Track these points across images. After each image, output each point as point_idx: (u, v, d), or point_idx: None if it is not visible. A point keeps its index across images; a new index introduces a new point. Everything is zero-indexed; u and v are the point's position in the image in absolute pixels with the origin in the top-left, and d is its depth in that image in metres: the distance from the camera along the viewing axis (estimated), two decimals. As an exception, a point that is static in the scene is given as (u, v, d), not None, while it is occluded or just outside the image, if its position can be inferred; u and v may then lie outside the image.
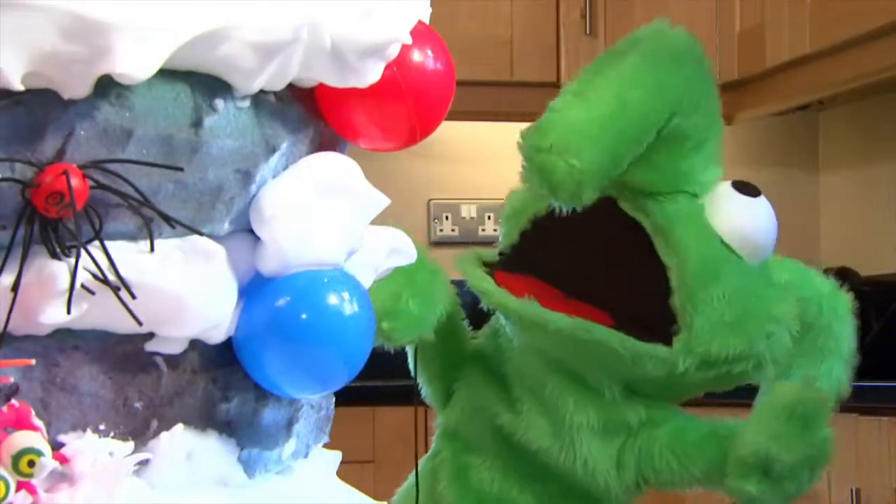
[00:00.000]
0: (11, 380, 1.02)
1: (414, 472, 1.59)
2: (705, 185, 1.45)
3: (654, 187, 1.42)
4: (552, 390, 1.48)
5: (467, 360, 1.58)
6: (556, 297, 1.47)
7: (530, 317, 1.44)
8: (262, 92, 1.09)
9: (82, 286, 1.00)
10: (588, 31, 3.33)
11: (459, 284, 1.57)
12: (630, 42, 1.41)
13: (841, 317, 1.53)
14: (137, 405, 1.07)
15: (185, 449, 1.08)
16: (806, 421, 1.38)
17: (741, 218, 1.45)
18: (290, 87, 1.12)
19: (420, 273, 1.50)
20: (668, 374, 1.43)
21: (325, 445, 1.25)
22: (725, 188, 1.47)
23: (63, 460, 1.00)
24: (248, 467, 1.14)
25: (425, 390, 1.60)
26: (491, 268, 1.53)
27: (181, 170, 1.04)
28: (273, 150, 1.10)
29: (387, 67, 1.14)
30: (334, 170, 1.14)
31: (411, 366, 1.58)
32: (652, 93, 1.36)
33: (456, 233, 3.59)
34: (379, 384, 2.50)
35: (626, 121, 1.35)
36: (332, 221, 1.11)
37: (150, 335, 1.07)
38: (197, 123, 1.05)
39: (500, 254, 1.55)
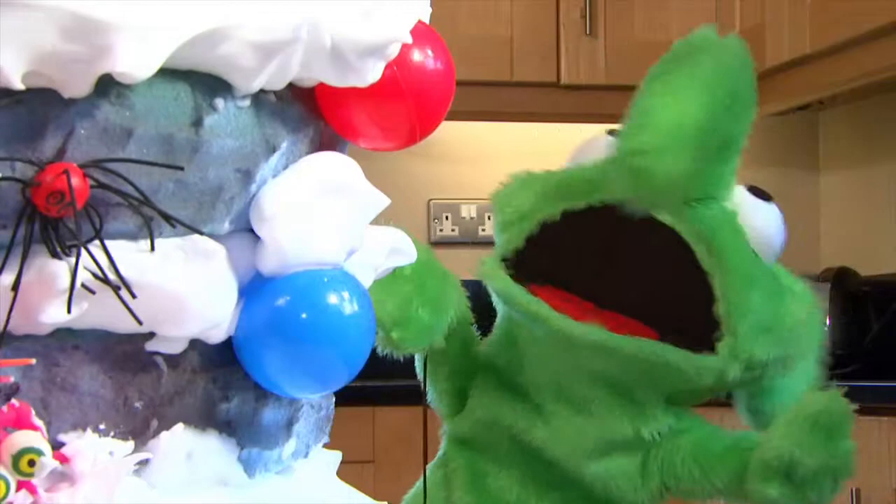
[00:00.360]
0: (12, 379, 1.02)
1: (422, 478, 1.58)
2: (729, 188, 1.45)
3: (699, 194, 1.41)
4: (601, 408, 1.47)
5: (479, 367, 1.57)
6: (588, 309, 1.45)
7: (599, 343, 1.42)
8: (262, 91, 1.09)
9: (83, 285, 1.00)
10: (588, 31, 3.34)
11: (466, 285, 1.56)
12: (694, 47, 1.41)
13: (813, 314, 1.53)
14: (137, 405, 1.07)
15: (185, 449, 1.08)
16: (830, 431, 1.38)
17: (760, 222, 1.45)
18: (291, 86, 1.12)
19: (430, 279, 1.49)
20: (715, 382, 1.43)
21: (325, 445, 1.25)
22: (743, 192, 1.47)
23: (63, 460, 1.00)
24: (248, 467, 1.14)
25: (432, 395, 1.59)
26: (518, 281, 1.49)
27: (181, 169, 1.04)
28: (273, 150, 1.10)
29: (387, 67, 1.14)
30: (334, 169, 1.14)
31: (419, 370, 1.57)
32: (730, 104, 1.37)
33: (456, 233, 3.59)
34: (379, 384, 2.50)
35: (713, 128, 1.36)
36: (332, 221, 1.11)
37: (151, 335, 1.07)
38: (197, 123, 1.05)
39: (503, 259, 1.52)
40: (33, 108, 1.00)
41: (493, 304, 1.55)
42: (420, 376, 1.57)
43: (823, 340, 1.52)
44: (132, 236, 1.04)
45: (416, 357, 1.56)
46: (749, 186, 1.48)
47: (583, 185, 1.46)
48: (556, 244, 1.48)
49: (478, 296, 1.56)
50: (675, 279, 1.44)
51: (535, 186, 1.51)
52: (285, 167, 1.12)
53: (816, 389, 1.46)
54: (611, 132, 1.51)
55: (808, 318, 1.48)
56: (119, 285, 1.00)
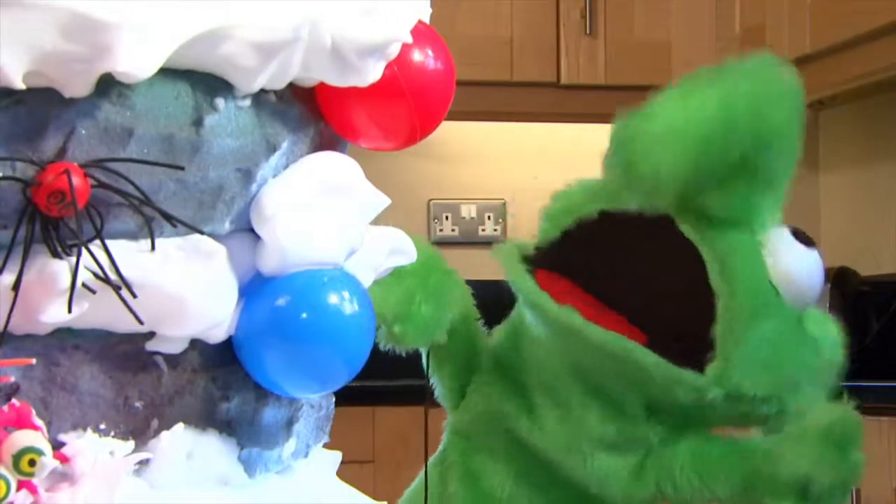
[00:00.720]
0: (12, 379, 1.02)
1: (420, 474, 1.58)
2: (766, 224, 1.44)
3: (721, 213, 1.41)
4: (577, 403, 1.47)
5: (482, 362, 1.57)
6: (592, 305, 1.45)
7: (567, 325, 1.42)
8: (262, 91, 1.09)
9: (83, 285, 1.00)
10: (588, 31, 3.34)
11: (473, 285, 1.56)
12: (739, 66, 1.40)
13: (830, 366, 1.52)
14: (138, 404, 1.07)
15: (185, 448, 1.08)
16: (841, 444, 1.38)
17: (796, 266, 1.44)
18: (291, 86, 1.12)
19: (434, 275, 1.49)
20: (695, 401, 1.42)
21: (325, 445, 1.25)
22: (784, 233, 1.46)
23: (64, 459, 1.00)
24: (249, 467, 1.14)
25: (437, 389, 1.59)
26: (531, 264, 1.50)
27: (182, 169, 1.04)
28: (274, 150, 1.10)
29: (387, 67, 1.14)
30: (335, 169, 1.14)
31: (424, 365, 1.57)
32: (751, 123, 1.36)
33: (456, 233, 3.59)
34: (379, 384, 2.51)
35: (719, 141, 1.35)
36: (332, 221, 1.12)
37: (151, 334, 1.07)
38: (198, 122, 1.05)
39: (537, 248, 1.53)
40: (34, 108, 1.00)
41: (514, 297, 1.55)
42: (426, 373, 1.57)
43: (833, 391, 1.52)
44: (133, 236, 1.04)
45: (423, 355, 1.56)
46: (793, 229, 1.48)
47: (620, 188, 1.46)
48: (584, 240, 1.49)
49: (480, 295, 1.56)
50: (683, 292, 1.44)
51: (588, 187, 1.52)
52: (286, 167, 1.12)
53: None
54: None
55: (821, 370, 1.47)
56: (120, 285, 1.00)
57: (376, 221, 1.19)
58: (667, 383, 1.41)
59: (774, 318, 1.42)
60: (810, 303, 1.47)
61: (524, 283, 1.46)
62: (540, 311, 1.45)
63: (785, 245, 1.45)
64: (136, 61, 0.98)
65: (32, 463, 0.96)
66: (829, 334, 1.49)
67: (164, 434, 1.07)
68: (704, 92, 1.36)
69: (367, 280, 1.18)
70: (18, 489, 0.96)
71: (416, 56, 1.16)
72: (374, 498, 1.25)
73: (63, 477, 1.00)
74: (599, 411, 1.46)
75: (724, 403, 1.41)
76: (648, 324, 1.43)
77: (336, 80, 1.12)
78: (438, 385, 1.59)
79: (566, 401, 1.48)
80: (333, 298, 1.09)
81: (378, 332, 1.44)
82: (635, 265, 1.46)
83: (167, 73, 1.02)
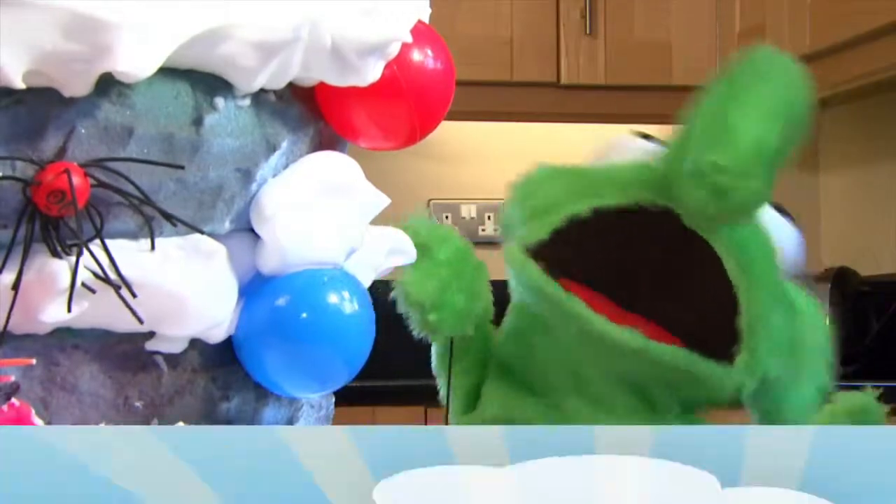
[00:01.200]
0: (12, 378, 1.02)
1: None
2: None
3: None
4: (622, 408, 1.46)
5: (493, 364, 1.56)
6: (611, 309, 1.44)
7: (638, 349, 1.41)
8: (262, 91, 1.09)
9: (83, 285, 1.00)
10: (588, 31, 3.34)
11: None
12: (761, 68, 1.41)
13: (821, 325, 1.52)
14: (138, 404, 1.07)
15: (185, 448, 1.08)
16: (865, 423, 1.39)
17: (782, 239, 1.45)
18: (291, 86, 1.12)
19: (467, 266, 1.48)
20: (732, 394, 1.43)
21: (326, 445, 1.25)
22: (768, 209, 1.47)
23: (63, 459, 1.00)
24: (249, 466, 1.14)
25: (444, 390, 1.58)
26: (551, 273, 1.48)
27: (182, 168, 1.04)
28: (273, 149, 1.10)
29: (387, 66, 1.14)
30: (335, 169, 1.14)
31: (437, 363, 1.55)
32: (793, 126, 1.38)
33: (456, 233, 3.59)
34: (379, 384, 2.51)
35: (784, 152, 1.36)
36: (332, 221, 1.12)
37: (151, 334, 1.07)
38: (197, 122, 1.05)
39: (525, 249, 1.51)
40: (34, 108, 1.00)
41: (510, 294, 1.54)
42: (434, 373, 1.56)
43: (831, 350, 1.52)
44: (133, 235, 1.04)
45: (433, 353, 1.55)
46: (772, 202, 1.48)
47: (615, 184, 1.45)
48: (583, 240, 1.47)
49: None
50: (701, 289, 1.43)
51: (563, 180, 1.50)
52: (285, 167, 1.12)
53: (839, 394, 1.47)
54: (644, 136, 1.50)
55: (816, 333, 1.48)
56: (120, 284, 1.00)
57: (376, 221, 1.19)
58: (722, 386, 1.41)
59: (784, 300, 1.42)
60: (789, 273, 1.48)
61: (579, 308, 1.43)
62: (600, 335, 1.42)
63: (772, 220, 1.46)
64: (136, 61, 0.98)
65: (32, 462, 0.96)
66: (807, 303, 1.50)
67: (164, 434, 1.07)
68: (764, 108, 1.37)
69: (367, 280, 1.18)
70: (18, 489, 0.96)
71: (416, 56, 1.16)
72: (374, 498, 1.25)
73: (63, 476, 1.00)
74: (641, 414, 1.46)
75: (752, 390, 1.43)
76: (677, 326, 1.42)
77: (336, 79, 1.12)
78: (446, 385, 1.57)
79: (608, 406, 1.47)
80: (333, 298, 1.09)
81: (413, 319, 1.44)
82: (650, 266, 1.45)
83: (167, 72, 1.02)
